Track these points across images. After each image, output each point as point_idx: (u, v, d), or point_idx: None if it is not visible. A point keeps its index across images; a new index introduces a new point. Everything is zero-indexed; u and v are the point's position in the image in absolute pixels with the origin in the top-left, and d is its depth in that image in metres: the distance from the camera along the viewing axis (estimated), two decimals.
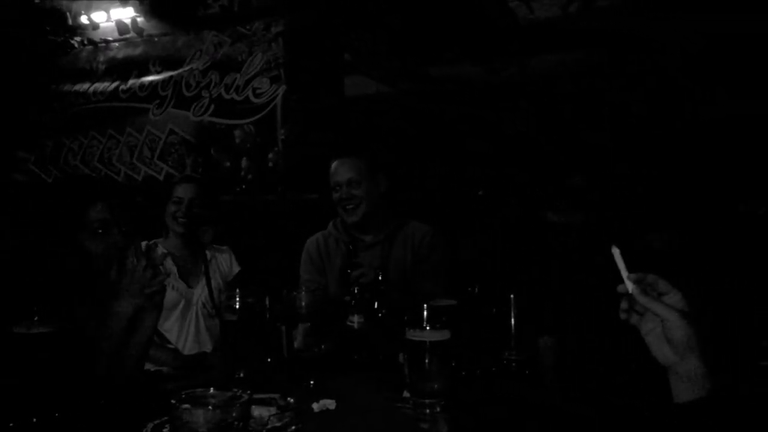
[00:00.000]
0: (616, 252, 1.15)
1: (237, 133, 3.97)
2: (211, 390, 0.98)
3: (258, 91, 3.92)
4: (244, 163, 3.95)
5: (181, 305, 2.61)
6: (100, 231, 1.80)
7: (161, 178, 4.11)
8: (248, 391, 0.99)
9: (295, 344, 1.87)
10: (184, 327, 2.62)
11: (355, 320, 1.97)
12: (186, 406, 0.92)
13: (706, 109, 4.27)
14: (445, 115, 5.14)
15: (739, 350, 1.99)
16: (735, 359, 1.93)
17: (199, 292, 2.66)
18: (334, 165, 2.50)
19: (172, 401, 0.93)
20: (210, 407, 0.93)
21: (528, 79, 5.06)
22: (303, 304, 1.81)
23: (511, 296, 1.83)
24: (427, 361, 1.50)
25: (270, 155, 3.90)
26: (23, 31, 4.41)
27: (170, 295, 2.55)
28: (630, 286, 1.12)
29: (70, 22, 4.31)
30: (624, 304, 1.14)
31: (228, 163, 3.99)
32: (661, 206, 3.60)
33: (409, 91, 5.32)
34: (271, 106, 3.89)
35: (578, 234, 2.64)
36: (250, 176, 3.94)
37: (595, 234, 2.32)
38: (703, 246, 2.77)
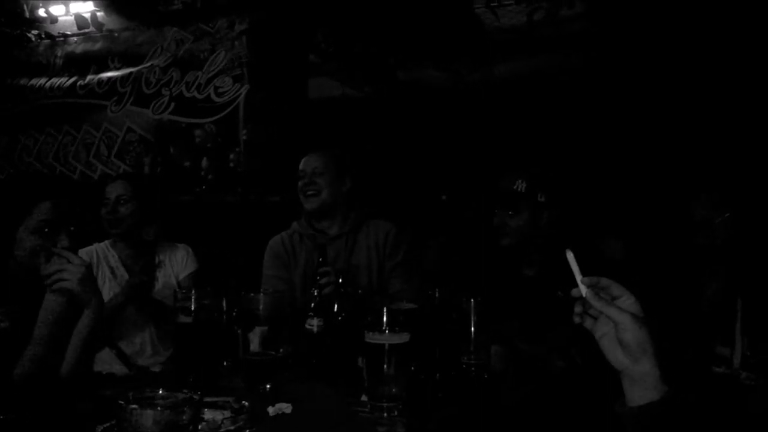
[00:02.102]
0: (570, 256, 1.16)
1: (198, 132, 3.91)
2: (161, 391, 0.95)
3: (220, 90, 3.86)
4: (204, 162, 3.89)
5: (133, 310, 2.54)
6: (46, 230, 1.75)
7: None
8: (199, 392, 0.96)
9: (252, 347, 1.83)
10: (137, 334, 2.56)
11: (315, 324, 1.94)
12: (134, 407, 0.89)
13: None
14: (411, 119, 5.14)
15: (693, 356, 2.02)
16: (688, 365, 1.97)
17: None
18: (304, 158, 2.57)
19: (120, 402, 0.90)
20: (159, 408, 0.90)
21: (492, 84, 5.10)
22: (261, 306, 1.78)
23: (471, 301, 1.83)
24: (385, 364, 1.49)
25: (231, 155, 3.85)
26: None
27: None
28: (584, 290, 1.13)
29: (27, 14, 4.20)
30: (578, 308, 1.15)
31: (188, 163, 3.93)
32: (612, 212, 3.68)
33: (374, 94, 5.31)
34: (233, 105, 3.84)
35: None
36: (210, 176, 3.88)
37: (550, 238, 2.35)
38: (654, 254, 2.83)
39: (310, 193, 2.49)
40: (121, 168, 4.01)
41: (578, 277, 1.16)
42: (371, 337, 1.48)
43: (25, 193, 1.82)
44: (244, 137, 3.82)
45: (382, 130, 4.63)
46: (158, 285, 2.61)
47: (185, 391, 0.95)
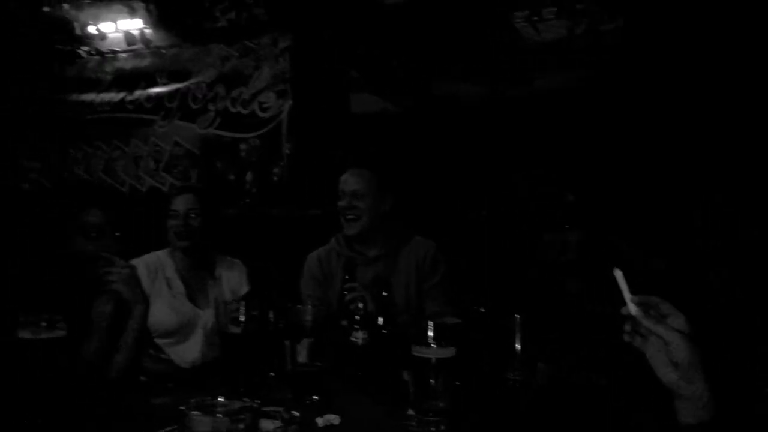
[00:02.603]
0: (618, 274, 1.15)
1: (242, 146, 3.99)
2: (220, 399, 0.98)
3: (264, 105, 3.95)
4: (248, 176, 3.97)
5: (186, 328, 2.49)
6: (94, 235, 1.83)
7: (166, 189, 4.13)
8: (257, 401, 1.00)
9: (299, 359, 1.86)
10: (187, 350, 2.51)
11: (359, 337, 1.97)
12: (196, 413, 0.92)
13: None
14: (450, 134, 5.16)
15: (745, 376, 1.99)
16: (740, 384, 1.93)
17: (207, 318, 2.52)
18: (345, 174, 2.50)
19: (182, 408, 0.94)
20: (219, 415, 0.94)
21: (532, 98, 5.10)
22: (307, 318, 1.81)
23: (516, 316, 1.83)
24: (432, 378, 1.50)
25: (275, 169, 3.92)
26: (30, 40, 4.44)
27: (174, 317, 2.47)
28: (633, 308, 1.12)
29: (78, 31, 4.34)
30: (627, 326, 1.14)
31: (232, 176, 4.01)
32: (657, 228, 3.63)
33: (414, 109, 5.35)
34: (277, 120, 3.92)
35: (576, 253, 2.65)
36: (254, 190, 3.95)
37: (593, 253, 2.34)
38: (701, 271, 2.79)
39: (350, 217, 2.43)
40: (168, 181, 4.12)
41: (627, 295, 1.15)
42: (418, 351, 1.50)
43: (74, 199, 1.92)
44: (287, 151, 3.89)
45: (422, 145, 4.65)
46: (209, 302, 2.56)
47: (244, 399, 0.99)
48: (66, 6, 4.10)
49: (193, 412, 0.91)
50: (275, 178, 3.93)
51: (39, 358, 1.40)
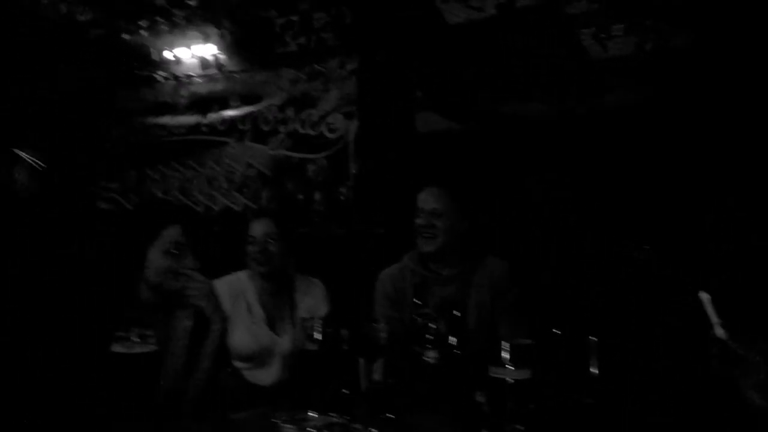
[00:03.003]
0: (704, 297, 1.13)
1: (310, 166, 4.08)
2: (311, 413, 1.02)
3: (332, 127, 4.03)
4: (316, 196, 4.05)
5: (263, 355, 2.52)
6: (174, 251, 1.91)
7: (238, 209, 4.26)
8: (347, 417, 1.03)
9: (374, 377, 1.89)
10: (264, 375, 2.53)
11: (431, 356, 1.98)
12: (289, 427, 0.96)
13: None
14: (516, 152, 5.13)
15: None
16: None
17: (285, 345, 2.54)
18: (424, 192, 2.50)
19: (274, 420, 0.98)
20: (311, 429, 0.97)
21: (600, 116, 5.02)
22: (382, 336, 1.84)
23: (592, 339, 1.81)
24: (508, 400, 1.50)
25: (341, 189, 3.99)
26: (108, 64, 4.68)
27: (252, 343, 2.49)
28: (720, 332, 1.10)
29: (155, 57, 4.53)
30: (715, 351, 1.12)
31: (301, 196, 4.10)
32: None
33: (479, 128, 5.35)
34: (344, 141, 3.99)
35: (658, 274, 2.59)
36: (321, 209, 4.03)
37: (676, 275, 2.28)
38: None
39: (427, 235, 2.42)
40: (240, 201, 4.25)
41: (714, 319, 1.14)
42: (495, 372, 1.50)
43: (154, 218, 2.00)
44: (354, 171, 3.95)
45: (489, 163, 4.64)
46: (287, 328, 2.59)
47: (332, 414, 1.02)
48: (144, 33, 4.30)
49: (286, 426, 0.95)
50: (342, 198, 3.99)
51: (131, 371, 1.47)
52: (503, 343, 1.53)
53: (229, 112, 4.38)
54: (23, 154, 1.94)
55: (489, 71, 4.61)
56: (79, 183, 4.82)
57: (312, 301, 2.67)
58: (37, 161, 2.01)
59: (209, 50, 4.36)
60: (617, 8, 3.78)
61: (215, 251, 2.65)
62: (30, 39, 4.40)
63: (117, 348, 1.45)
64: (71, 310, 1.78)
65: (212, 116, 4.43)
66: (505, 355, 1.52)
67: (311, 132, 4.09)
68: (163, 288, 1.87)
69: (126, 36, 4.28)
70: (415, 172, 4.16)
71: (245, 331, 2.51)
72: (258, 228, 2.60)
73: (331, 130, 4.03)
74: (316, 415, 1.01)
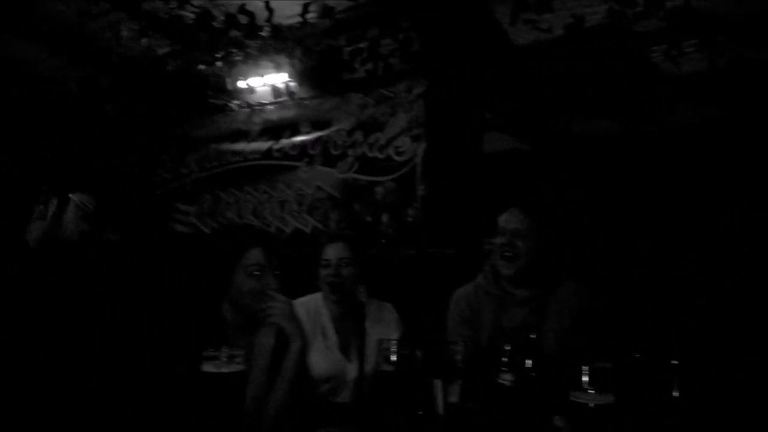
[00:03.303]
0: None
1: (378, 189, 4.14)
2: None
3: (399, 150, 4.09)
4: (384, 218, 4.10)
5: (335, 379, 2.54)
6: (257, 273, 1.98)
7: (308, 231, 4.36)
8: None
9: (450, 399, 1.90)
10: (337, 396, 2.55)
11: (507, 379, 1.97)
12: None
13: None
14: (584, 171, 5.08)
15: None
16: None
17: (355, 371, 2.53)
18: (506, 213, 2.50)
19: None
20: None
21: (670, 134, 4.92)
22: (458, 358, 1.85)
23: (674, 362, 1.77)
24: (589, 425, 1.48)
25: (409, 210, 4.03)
26: (186, 95, 4.90)
27: (325, 368, 2.51)
28: None
29: (229, 86, 4.71)
30: None
31: (369, 218, 4.16)
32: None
33: (546, 147, 5.32)
34: (411, 163, 4.04)
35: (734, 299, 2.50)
36: (390, 231, 4.08)
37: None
38: None
39: (507, 255, 2.42)
40: (310, 223, 4.36)
41: None
42: (577, 396, 1.49)
43: (238, 241, 2.08)
44: (422, 193, 3.99)
45: (559, 183, 4.61)
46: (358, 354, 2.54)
47: None
48: (219, 64, 4.49)
49: None
50: (410, 219, 4.03)
51: (221, 390, 1.52)
52: (583, 367, 1.52)
53: (300, 138, 4.51)
54: (75, 198, 2.07)
55: (556, 91, 4.60)
56: (158, 208, 5.05)
57: (383, 326, 2.69)
58: (86, 203, 2.14)
59: (281, 79, 4.51)
60: (689, 25, 3.71)
61: (292, 273, 2.74)
62: (113, 74, 4.67)
63: (207, 367, 1.51)
64: (163, 330, 1.87)
65: (284, 142, 4.57)
66: (586, 378, 1.51)
67: (379, 155, 4.16)
68: (247, 308, 1.95)
69: (202, 67, 4.47)
70: (483, 192, 4.17)
71: (320, 355, 2.54)
72: (332, 251, 2.64)
73: (398, 153, 4.09)
74: None
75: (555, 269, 2.50)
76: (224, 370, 1.50)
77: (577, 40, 3.75)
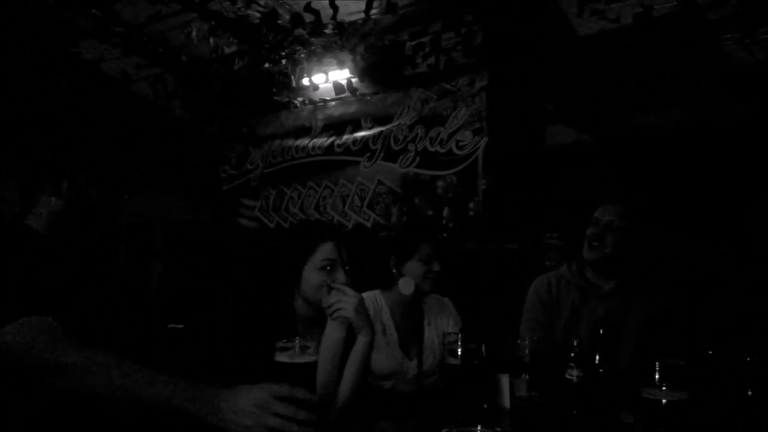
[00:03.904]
0: None
1: (439, 183, 4.15)
2: (479, 427, 1.06)
3: (461, 144, 4.08)
4: (445, 212, 4.11)
5: (395, 376, 2.54)
6: (328, 268, 2.02)
7: (369, 225, 4.41)
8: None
9: (517, 393, 1.91)
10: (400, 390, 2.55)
11: (574, 374, 1.96)
12: None
13: None
14: (651, 163, 4.94)
15: None
16: None
17: (415, 367, 2.57)
18: (602, 206, 2.50)
19: (445, 430, 1.03)
20: None
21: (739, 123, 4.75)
22: (525, 352, 1.85)
23: (748, 359, 1.72)
24: (661, 421, 1.47)
25: (470, 204, 4.02)
26: (250, 93, 5.02)
27: (386, 364, 2.51)
28: None
29: (294, 84, 4.80)
30: None
31: (430, 212, 4.18)
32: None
33: (612, 139, 5.21)
34: (473, 157, 4.03)
35: None
36: (451, 224, 4.08)
37: None
38: None
39: (595, 244, 2.42)
40: (371, 218, 4.40)
41: None
42: (648, 393, 1.48)
43: (308, 235, 2.11)
44: (483, 187, 3.97)
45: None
46: (417, 351, 2.60)
47: (497, 429, 1.06)
48: (284, 62, 4.58)
49: None
50: (471, 213, 4.02)
51: (293, 380, 1.56)
52: (656, 363, 1.50)
53: (362, 133, 4.56)
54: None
55: (621, 81, 4.50)
56: (224, 205, 5.20)
57: (443, 322, 2.70)
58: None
59: (344, 75, 4.55)
60: (763, 11, 3.56)
61: (360, 268, 2.76)
62: (181, 73, 4.83)
63: (280, 358, 1.55)
64: (237, 321, 1.94)
65: (346, 137, 4.63)
66: (658, 375, 1.49)
67: (440, 149, 4.17)
68: (317, 302, 1.99)
69: (268, 65, 4.57)
70: (545, 185, 4.13)
71: (380, 353, 2.53)
72: (432, 248, 2.62)
73: (460, 147, 4.08)
74: (484, 428, 1.05)
75: (642, 267, 2.47)
76: (297, 360, 1.54)
77: (646, 29, 3.66)
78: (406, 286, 2.56)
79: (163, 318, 3.70)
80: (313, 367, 1.55)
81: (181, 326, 3.52)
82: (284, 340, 1.55)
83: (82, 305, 1.69)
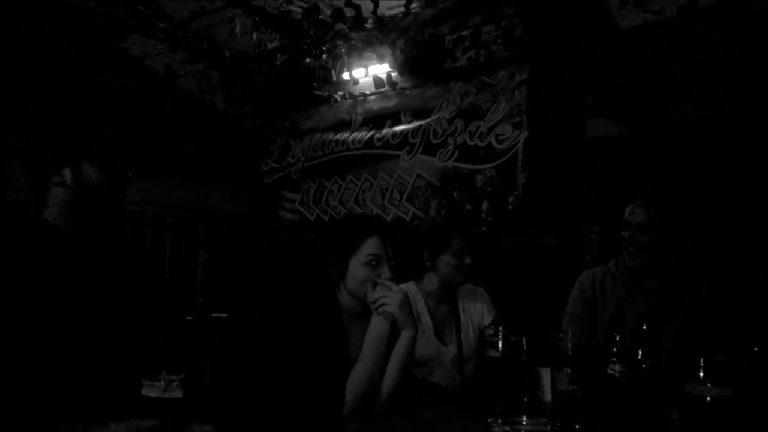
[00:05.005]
0: None
1: (479, 177, 4.15)
2: (524, 418, 1.09)
3: (500, 137, 4.08)
4: (484, 206, 4.11)
5: (431, 364, 2.60)
6: (373, 263, 2.05)
7: (408, 218, 4.44)
8: (558, 424, 1.08)
9: (559, 387, 1.92)
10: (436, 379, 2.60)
11: (617, 369, 1.97)
12: (506, 428, 1.04)
13: None
14: (693, 157, 4.87)
15: None
16: None
17: (452, 354, 2.63)
18: (631, 205, 2.51)
19: (489, 420, 1.06)
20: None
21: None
22: (568, 346, 1.86)
23: None
24: (706, 418, 1.47)
25: (510, 198, 4.01)
26: (291, 88, 5.09)
27: (422, 352, 2.55)
28: None
29: (334, 78, 4.85)
30: None
31: (469, 206, 4.19)
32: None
33: (653, 132, 5.13)
34: (512, 151, 4.02)
35: None
36: (490, 218, 4.09)
37: None
38: None
39: (632, 250, 2.43)
40: (410, 211, 4.44)
41: None
42: (692, 388, 1.48)
43: (354, 229, 2.14)
44: (523, 181, 3.96)
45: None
46: (453, 337, 2.66)
47: (543, 420, 1.08)
48: (324, 56, 4.63)
49: (503, 428, 1.03)
50: (510, 207, 4.02)
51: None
52: (701, 359, 1.50)
53: (401, 127, 4.58)
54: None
55: (664, 74, 4.43)
56: (265, 197, 5.29)
57: (477, 310, 2.75)
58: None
59: (383, 69, 4.58)
60: None
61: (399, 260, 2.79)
62: (224, 68, 4.92)
63: (148, 393, 1.51)
64: (287, 310, 2.00)
65: (385, 131, 4.66)
66: (703, 372, 1.49)
67: (480, 143, 4.17)
68: (361, 296, 2.03)
69: (308, 60, 4.63)
70: (587, 179, 4.10)
71: (417, 341, 2.60)
72: (464, 241, 2.68)
73: (499, 141, 4.08)
74: (526, 420, 1.08)
75: (684, 262, 2.47)
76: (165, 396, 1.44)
77: (691, 21, 3.60)
78: (430, 281, 2.63)
79: (208, 307, 3.81)
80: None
81: (224, 315, 3.62)
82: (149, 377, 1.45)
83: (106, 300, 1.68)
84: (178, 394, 1.41)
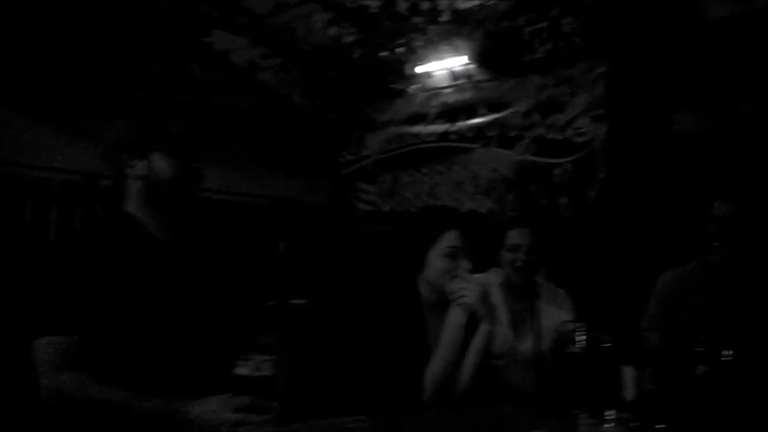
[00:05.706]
0: None
1: (556, 171, 4.10)
2: (612, 412, 1.10)
3: (579, 131, 4.00)
4: (562, 201, 4.06)
5: (505, 358, 2.55)
6: (452, 255, 2.07)
7: (483, 212, 4.43)
8: (641, 422, 1.09)
9: (643, 386, 1.89)
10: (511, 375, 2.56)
11: (700, 369, 1.92)
12: (590, 420, 1.06)
13: None
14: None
15: None
16: None
17: (526, 350, 2.59)
18: (719, 201, 2.51)
19: (575, 412, 1.08)
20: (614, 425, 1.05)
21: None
22: (651, 345, 1.84)
23: None
24: None
25: (588, 193, 3.94)
26: (366, 80, 5.15)
27: (496, 343, 2.45)
28: None
29: (408, 71, 4.88)
30: None
31: (545, 201, 4.14)
32: None
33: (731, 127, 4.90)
34: (591, 145, 3.94)
35: None
36: (567, 213, 4.03)
37: None
38: None
39: (716, 244, 2.44)
40: (485, 205, 4.43)
41: None
42: None
43: (434, 222, 2.17)
44: (602, 175, 3.88)
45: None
46: (529, 334, 2.63)
47: (630, 416, 1.09)
48: (400, 50, 4.67)
49: (588, 421, 1.05)
50: (589, 202, 3.95)
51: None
52: None
53: (477, 120, 4.57)
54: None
55: (754, 65, 4.23)
56: (342, 189, 5.39)
57: (555, 311, 2.68)
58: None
59: (459, 62, 4.57)
60: None
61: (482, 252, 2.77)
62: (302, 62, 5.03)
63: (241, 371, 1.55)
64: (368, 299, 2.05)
65: (460, 124, 4.66)
66: None
67: (557, 137, 4.11)
68: (440, 288, 2.06)
69: (383, 53, 4.68)
70: (669, 174, 3.97)
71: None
72: (517, 236, 2.63)
73: (578, 135, 4.01)
74: (614, 414, 1.09)
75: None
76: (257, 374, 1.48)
77: None
78: (492, 277, 2.62)
79: (287, 294, 3.92)
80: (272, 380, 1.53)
81: (303, 301, 3.72)
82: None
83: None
84: (268, 372, 1.45)
